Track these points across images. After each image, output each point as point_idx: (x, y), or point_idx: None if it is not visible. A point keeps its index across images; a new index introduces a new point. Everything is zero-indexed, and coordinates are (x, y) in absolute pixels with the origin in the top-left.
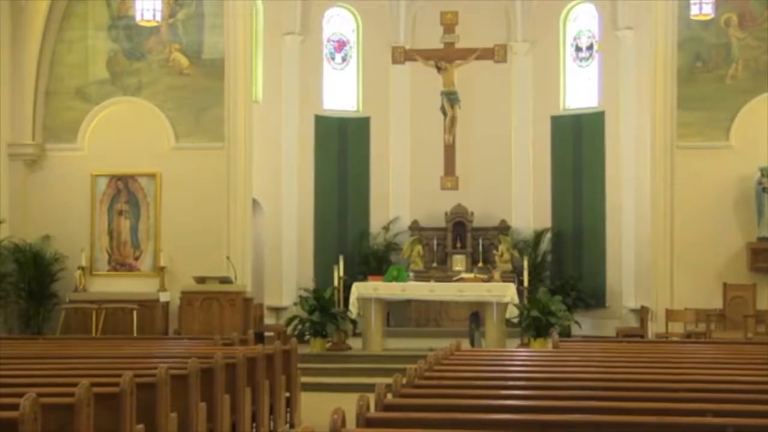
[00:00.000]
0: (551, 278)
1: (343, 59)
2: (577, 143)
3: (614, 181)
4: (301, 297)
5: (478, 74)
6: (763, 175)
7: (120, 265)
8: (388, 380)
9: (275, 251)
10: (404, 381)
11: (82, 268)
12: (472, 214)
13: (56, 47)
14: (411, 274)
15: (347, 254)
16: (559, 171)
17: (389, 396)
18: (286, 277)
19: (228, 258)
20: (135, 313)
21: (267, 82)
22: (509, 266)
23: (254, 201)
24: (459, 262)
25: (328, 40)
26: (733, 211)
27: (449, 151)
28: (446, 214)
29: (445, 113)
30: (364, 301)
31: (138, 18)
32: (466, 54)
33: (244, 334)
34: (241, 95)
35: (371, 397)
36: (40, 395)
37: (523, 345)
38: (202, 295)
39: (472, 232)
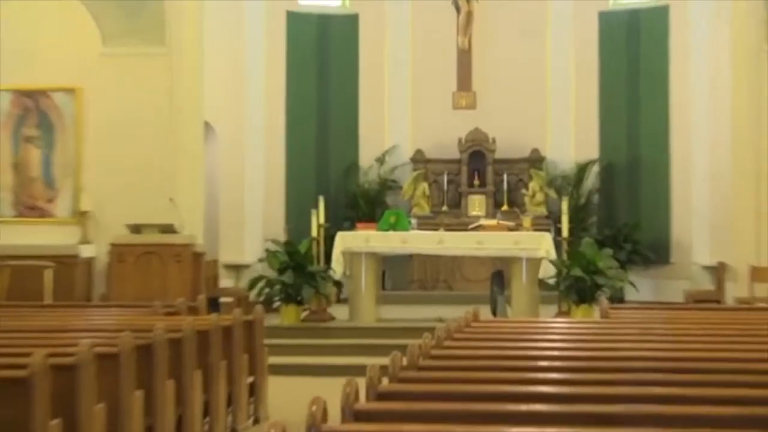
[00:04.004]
0: (599, 226)
1: None
2: (633, 48)
3: (682, 98)
4: (268, 251)
5: None
6: None
7: (28, 209)
8: (384, 361)
9: (234, 191)
10: (404, 361)
11: None
12: (493, 141)
13: None
14: (414, 221)
15: (330, 195)
16: (610, 84)
17: (385, 381)
18: (248, 225)
19: (172, 200)
20: (49, 272)
21: None
22: (543, 210)
23: (207, 125)
24: (477, 204)
25: None
26: None
27: (464, 58)
28: (460, 141)
29: (458, 8)
30: (351, 256)
31: None
32: None
33: (193, 300)
34: None
35: (361, 383)
36: None
37: (561, 314)
38: (137, 249)
39: (494, 165)
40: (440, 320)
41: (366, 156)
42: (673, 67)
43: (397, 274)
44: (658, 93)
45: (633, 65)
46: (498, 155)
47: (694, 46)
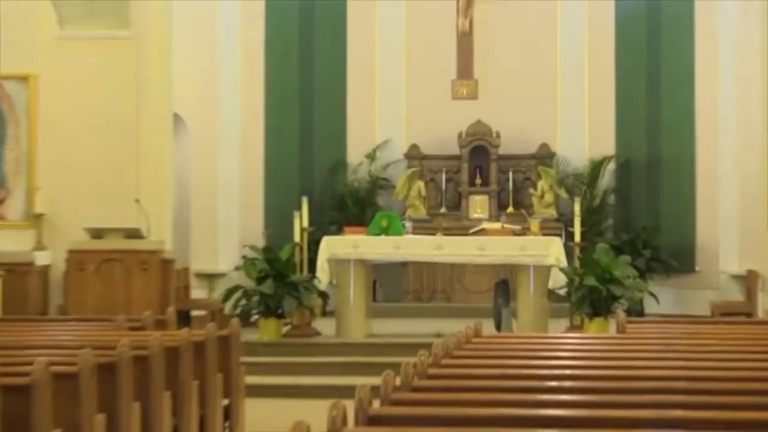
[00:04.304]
0: (615, 230)
1: None
2: (654, 33)
3: (709, 93)
4: (245, 259)
5: None
6: None
7: None
8: (375, 381)
9: (207, 191)
10: (398, 381)
11: None
12: (497, 135)
13: None
14: (408, 224)
15: (314, 195)
16: (627, 72)
17: (376, 403)
18: (223, 229)
19: (138, 201)
20: None
21: None
22: (553, 212)
23: (176, 117)
24: (479, 205)
25: None
26: None
27: (464, 42)
28: (460, 135)
29: None
30: (338, 264)
31: None
32: None
33: (161, 313)
34: None
35: (349, 405)
36: None
37: (573, 328)
38: (99, 256)
39: (498, 161)
40: (438, 335)
41: (355, 152)
42: (698, 58)
43: (390, 284)
44: (682, 81)
45: (653, 52)
46: (502, 151)
47: (723, 34)
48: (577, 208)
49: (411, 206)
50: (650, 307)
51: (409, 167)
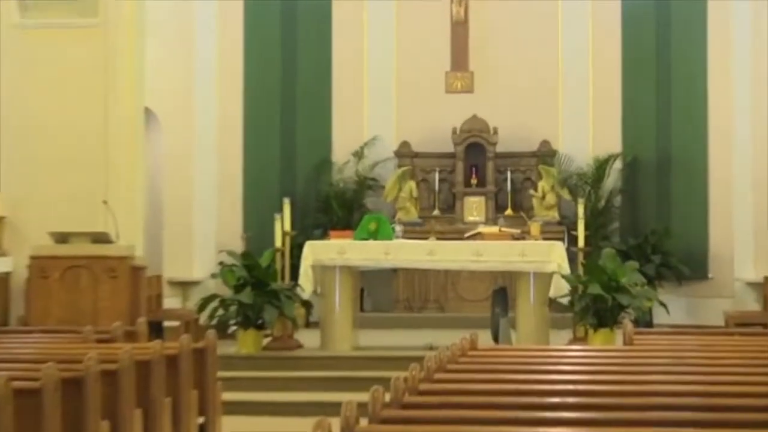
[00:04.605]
0: (622, 234)
1: None
2: (663, 23)
3: (722, 87)
4: (222, 265)
5: None
6: None
7: None
8: (363, 397)
9: (182, 192)
10: (387, 398)
11: None
12: (495, 131)
13: None
14: (398, 228)
15: (297, 197)
16: (635, 64)
17: (363, 421)
18: (198, 233)
19: (106, 203)
20: None
21: None
22: (555, 215)
23: (148, 112)
24: (475, 207)
25: None
26: None
27: (459, 31)
28: (454, 131)
29: None
30: (323, 270)
31: None
32: None
33: (131, 324)
34: None
35: (335, 424)
36: None
37: (576, 340)
38: (64, 262)
39: (495, 160)
40: (430, 348)
41: (341, 150)
42: (712, 50)
43: (379, 293)
44: (693, 76)
45: (663, 43)
46: (500, 148)
47: (737, 26)
48: (580, 210)
49: (401, 208)
50: (660, 317)
51: (400, 166)
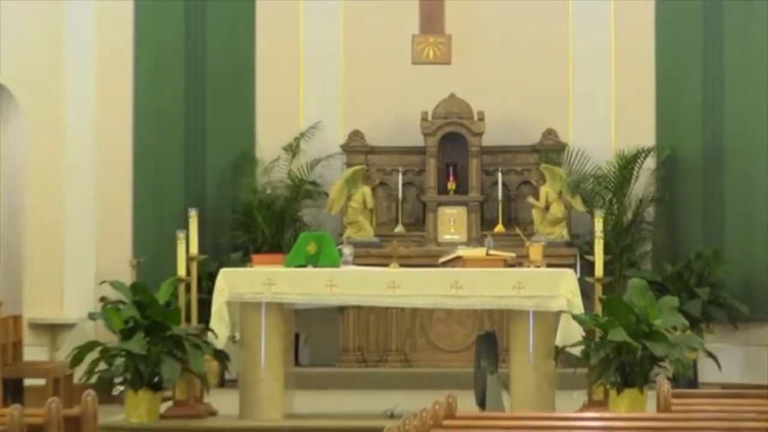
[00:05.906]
0: (655, 258)
1: None
2: None
3: None
4: (105, 302)
5: None
6: None
7: None
8: None
9: (49, 204)
10: None
11: None
12: (480, 117)
13: None
14: (348, 251)
15: (207, 207)
16: (675, 34)
17: None
18: (72, 260)
19: None
20: None
21: None
22: (563, 232)
23: (4, 90)
24: (454, 222)
25: None
26: None
27: None
28: (425, 117)
29: None
30: (244, 309)
31: None
32: None
33: None
34: None
35: None
36: None
37: (592, 405)
38: None
39: (481, 156)
40: (391, 416)
41: (268, 143)
42: None
43: (320, 340)
44: (750, 53)
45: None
46: (488, 141)
47: None
48: (598, 225)
49: (352, 223)
50: (707, 373)
51: (349, 165)
